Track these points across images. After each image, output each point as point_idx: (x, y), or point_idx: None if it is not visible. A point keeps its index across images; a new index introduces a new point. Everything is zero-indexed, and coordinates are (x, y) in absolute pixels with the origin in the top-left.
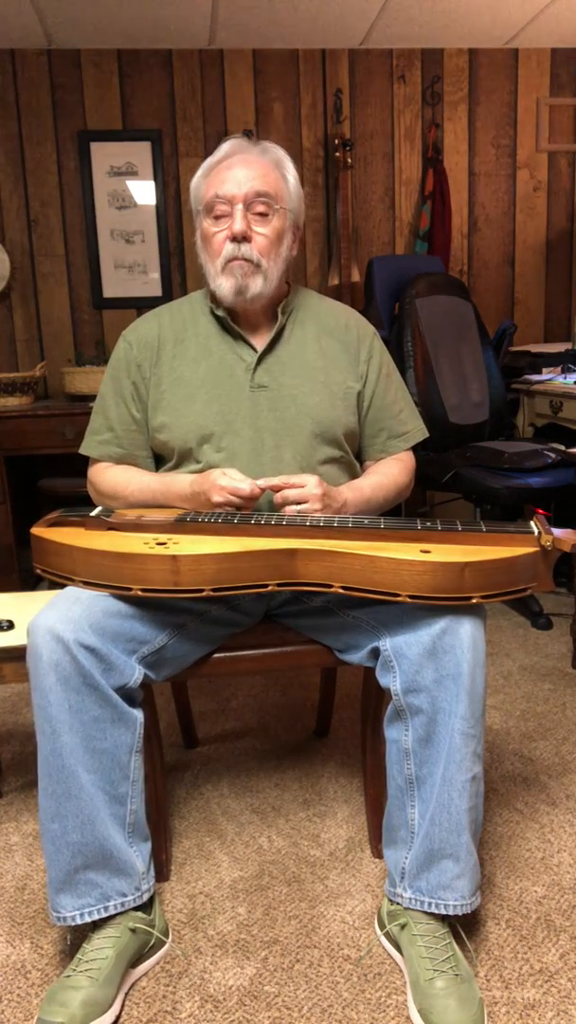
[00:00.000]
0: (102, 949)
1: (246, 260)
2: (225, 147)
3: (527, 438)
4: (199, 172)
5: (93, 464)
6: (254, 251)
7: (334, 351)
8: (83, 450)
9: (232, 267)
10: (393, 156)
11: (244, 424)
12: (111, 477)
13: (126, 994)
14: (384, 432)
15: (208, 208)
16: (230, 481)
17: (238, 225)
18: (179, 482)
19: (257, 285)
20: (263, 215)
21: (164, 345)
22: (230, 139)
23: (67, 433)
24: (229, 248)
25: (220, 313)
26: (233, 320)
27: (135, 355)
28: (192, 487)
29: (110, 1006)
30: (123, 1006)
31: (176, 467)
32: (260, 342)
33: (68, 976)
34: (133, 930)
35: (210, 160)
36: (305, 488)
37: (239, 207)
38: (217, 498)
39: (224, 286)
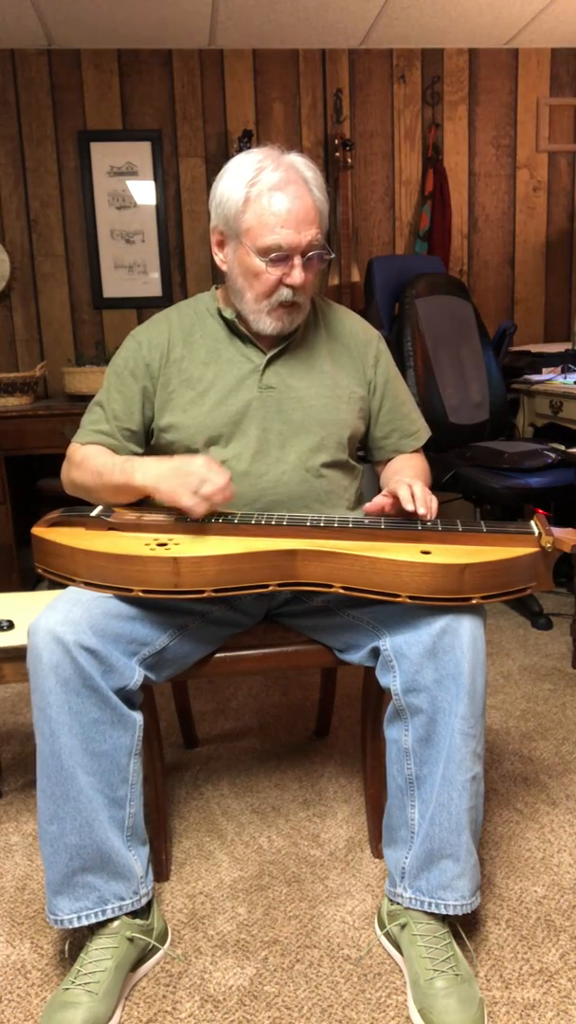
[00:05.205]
0: (100, 961)
1: (295, 304)
2: (268, 173)
3: (527, 438)
4: (235, 191)
5: (74, 443)
6: (303, 295)
7: (341, 356)
8: (76, 439)
9: (281, 312)
10: (393, 156)
11: (251, 424)
12: (87, 449)
13: (126, 999)
14: (396, 432)
15: (262, 251)
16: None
17: (299, 279)
18: (139, 459)
19: (298, 321)
20: (312, 258)
21: (173, 346)
22: (262, 152)
23: (67, 433)
24: (284, 293)
25: (229, 316)
26: (241, 323)
27: (145, 355)
28: (155, 464)
29: (110, 1019)
30: (124, 1008)
31: None
32: (267, 343)
33: (67, 989)
34: (131, 940)
35: (245, 175)
36: (415, 488)
37: (297, 258)
38: (202, 488)
39: (269, 326)
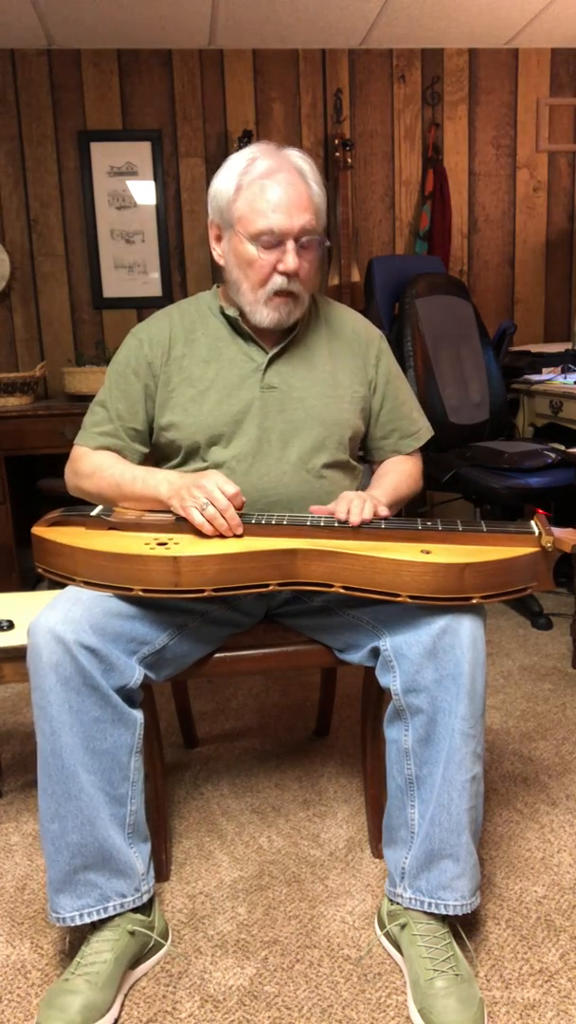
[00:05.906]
0: (101, 952)
1: (291, 294)
2: (260, 162)
3: (527, 438)
4: (227, 181)
5: (79, 447)
6: (299, 284)
7: (343, 355)
8: (80, 441)
9: (278, 303)
10: (393, 156)
11: (252, 424)
12: (96, 457)
13: (125, 995)
14: (396, 432)
15: (254, 237)
16: (223, 482)
17: (292, 264)
18: (160, 471)
19: (296, 314)
20: (307, 245)
21: (175, 344)
22: (256, 146)
23: (67, 433)
24: (278, 281)
25: (231, 314)
26: (244, 321)
27: (146, 352)
28: (179, 476)
29: (109, 1009)
30: (122, 1007)
31: (180, 465)
32: (269, 343)
33: (66, 980)
34: (132, 933)
35: (237, 167)
36: (352, 503)
37: (290, 243)
38: (197, 493)
39: (266, 317)
